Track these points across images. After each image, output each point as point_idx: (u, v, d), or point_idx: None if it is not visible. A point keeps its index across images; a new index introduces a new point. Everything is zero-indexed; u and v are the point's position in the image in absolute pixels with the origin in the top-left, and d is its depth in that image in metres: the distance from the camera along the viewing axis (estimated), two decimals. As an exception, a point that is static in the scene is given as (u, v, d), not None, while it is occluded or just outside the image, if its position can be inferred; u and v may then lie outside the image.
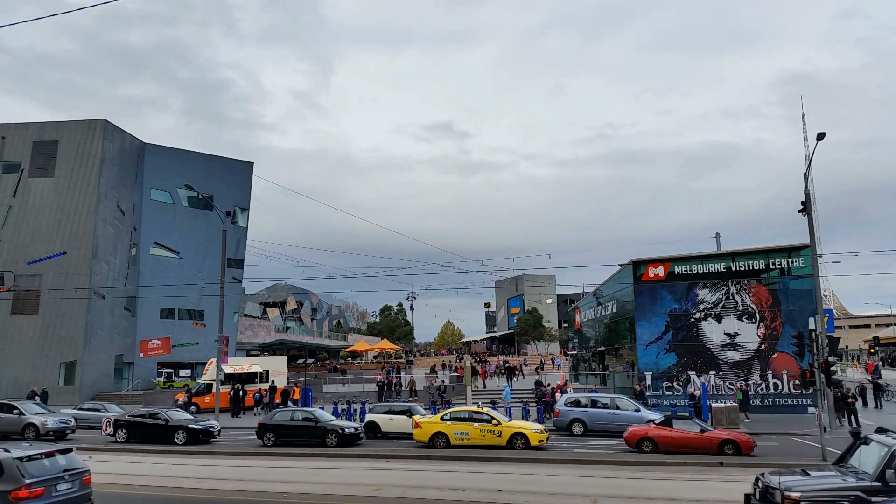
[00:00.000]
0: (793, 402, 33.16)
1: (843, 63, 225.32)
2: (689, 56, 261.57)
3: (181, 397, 39.90)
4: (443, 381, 45.08)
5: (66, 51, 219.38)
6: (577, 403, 28.15)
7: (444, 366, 64.52)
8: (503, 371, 55.77)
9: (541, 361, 68.79)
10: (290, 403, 37.73)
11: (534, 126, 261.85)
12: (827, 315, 28.76)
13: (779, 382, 33.81)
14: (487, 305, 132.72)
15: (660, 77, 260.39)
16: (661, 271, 36.59)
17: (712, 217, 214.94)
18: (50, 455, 12.15)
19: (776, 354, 34.12)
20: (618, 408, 27.26)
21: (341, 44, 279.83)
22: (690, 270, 36.23)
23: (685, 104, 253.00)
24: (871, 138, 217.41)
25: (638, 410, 26.64)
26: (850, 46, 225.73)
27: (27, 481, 11.20)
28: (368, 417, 28.41)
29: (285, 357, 51.70)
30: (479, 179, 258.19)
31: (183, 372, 53.13)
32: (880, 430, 12.02)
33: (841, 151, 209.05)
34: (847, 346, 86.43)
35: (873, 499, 10.16)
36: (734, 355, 34.91)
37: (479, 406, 29.41)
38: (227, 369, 38.13)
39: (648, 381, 35.47)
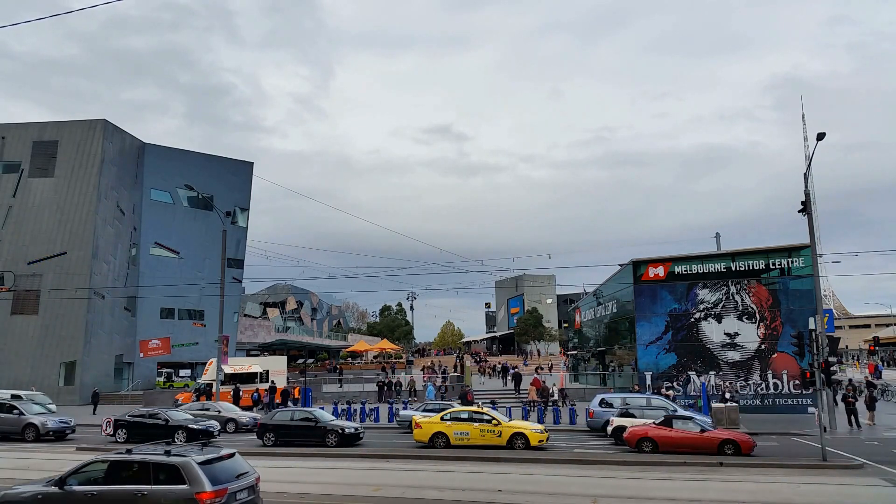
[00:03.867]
0: (793, 402, 33.16)
1: (834, 67, 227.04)
2: (683, 60, 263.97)
3: (183, 397, 39.84)
4: (444, 382, 45.12)
5: (70, 56, 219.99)
6: (609, 405, 27.24)
7: (430, 367, 60.26)
8: (499, 371, 55.79)
9: (550, 365, 68.42)
10: (289, 403, 37.75)
11: (532, 129, 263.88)
12: (827, 315, 28.76)
13: (779, 382, 33.82)
14: (487, 305, 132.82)
15: (655, 80, 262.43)
16: (661, 271, 36.60)
17: (709, 218, 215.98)
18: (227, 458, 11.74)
19: (776, 354, 34.13)
20: (652, 408, 26.11)
21: (341, 48, 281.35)
22: (690, 270, 36.23)
23: (680, 107, 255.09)
24: (863, 141, 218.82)
25: (674, 411, 25.36)
26: (840, 51, 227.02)
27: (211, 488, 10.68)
28: (618, 422, 24.59)
29: (285, 357, 51.71)
30: (477, 181, 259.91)
31: (183, 372, 53.12)
32: None
33: (833, 153, 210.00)
34: (847, 346, 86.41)
35: None
36: (734, 355, 34.92)
37: (479, 406, 29.39)
38: (227, 369, 38.14)
39: (648, 381, 35.47)
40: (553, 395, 35.38)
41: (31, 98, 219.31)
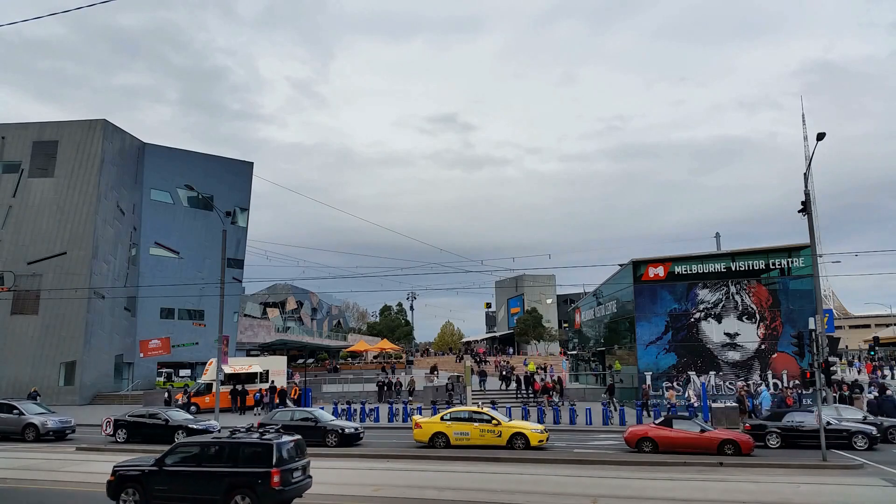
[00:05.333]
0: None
1: (872, 50, 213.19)
2: (704, 44, 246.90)
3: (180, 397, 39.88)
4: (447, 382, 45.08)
5: (56, 35, 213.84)
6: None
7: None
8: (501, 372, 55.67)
9: (552, 365, 68.20)
10: (288, 403, 37.71)
11: (541, 118, 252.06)
12: (827, 315, 28.76)
13: (779, 382, 33.83)
14: (487, 305, 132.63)
15: (673, 66, 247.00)
16: (661, 271, 36.60)
17: (721, 214, 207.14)
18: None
19: (776, 354, 34.16)
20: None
21: (342, 30, 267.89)
22: (690, 270, 36.24)
23: (699, 94, 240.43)
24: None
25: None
26: (880, 31, 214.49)
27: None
28: None
29: (285, 357, 51.70)
30: (482, 175, 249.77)
31: (183, 372, 53.07)
32: None
33: (865, 144, 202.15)
34: (847, 346, 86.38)
35: None
36: (734, 355, 34.93)
37: (478, 406, 29.40)
38: (227, 369, 38.11)
39: (648, 381, 35.46)
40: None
41: (17, 84, 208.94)
